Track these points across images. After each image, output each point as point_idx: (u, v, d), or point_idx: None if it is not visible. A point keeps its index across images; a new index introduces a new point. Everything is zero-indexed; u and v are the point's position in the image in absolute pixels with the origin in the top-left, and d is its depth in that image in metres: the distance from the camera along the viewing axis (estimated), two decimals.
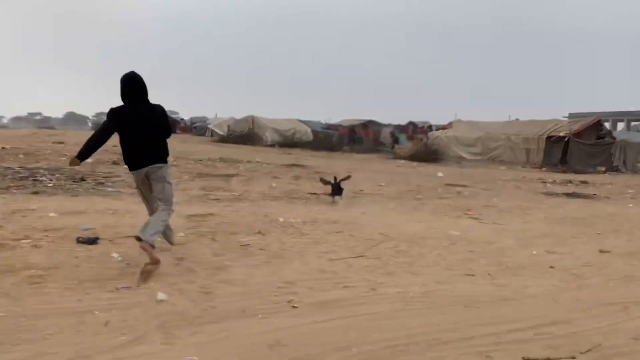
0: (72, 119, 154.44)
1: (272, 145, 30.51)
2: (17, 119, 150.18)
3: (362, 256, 5.45)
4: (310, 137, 33.60)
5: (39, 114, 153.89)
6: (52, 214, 6.47)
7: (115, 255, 4.84)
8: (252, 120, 33.10)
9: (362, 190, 11.17)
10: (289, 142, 31.48)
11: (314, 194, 10.23)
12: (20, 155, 14.54)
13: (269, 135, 32.07)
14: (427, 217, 8.33)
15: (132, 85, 4.66)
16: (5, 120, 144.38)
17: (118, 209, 7.21)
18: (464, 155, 27.91)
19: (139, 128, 4.64)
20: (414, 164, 23.24)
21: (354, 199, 9.96)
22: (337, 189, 9.28)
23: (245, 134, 32.01)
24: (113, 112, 4.66)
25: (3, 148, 16.29)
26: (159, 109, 4.80)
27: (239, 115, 35.86)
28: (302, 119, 36.67)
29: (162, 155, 4.79)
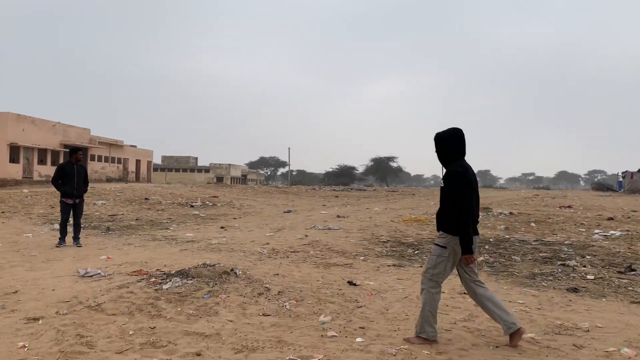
0: (564, 177, 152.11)
1: None
2: (511, 180, 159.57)
3: None
4: None
5: (532, 174, 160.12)
6: None
7: None
8: None
9: None
10: None
11: None
12: (532, 224, 12.73)
13: None
14: None
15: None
16: (502, 181, 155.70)
17: None
18: None
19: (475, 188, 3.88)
20: None
21: None
22: None
23: None
24: (468, 174, 3.75)
25: (511, 213, 15.10)
26: None
27: None
28: None
29: None
